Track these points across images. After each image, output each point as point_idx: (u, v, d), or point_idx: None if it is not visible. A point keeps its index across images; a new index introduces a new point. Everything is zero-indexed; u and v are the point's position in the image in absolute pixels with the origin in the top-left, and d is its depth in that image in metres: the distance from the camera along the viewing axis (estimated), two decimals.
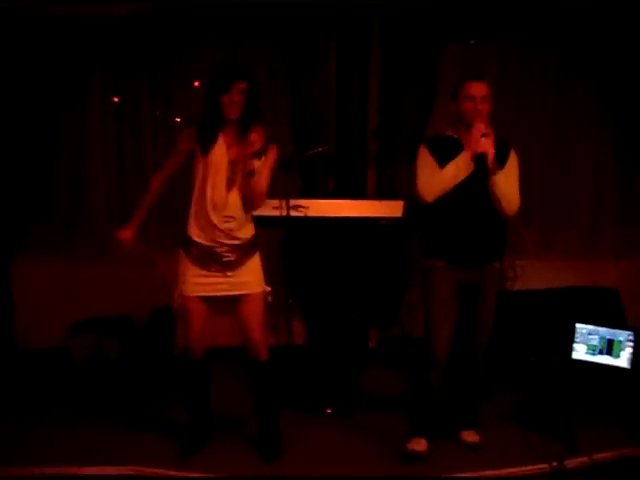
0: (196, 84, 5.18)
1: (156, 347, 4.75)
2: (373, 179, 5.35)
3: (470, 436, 3.91)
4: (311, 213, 4.21)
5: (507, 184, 3.59)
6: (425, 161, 3.66)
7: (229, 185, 3.49)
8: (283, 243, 4.81)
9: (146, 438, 3.97)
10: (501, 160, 3.60)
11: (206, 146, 3.50)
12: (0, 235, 5.12)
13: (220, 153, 3.50)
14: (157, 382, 4.58)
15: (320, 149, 4.39)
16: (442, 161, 3.58)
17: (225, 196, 3.49)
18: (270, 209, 3.91)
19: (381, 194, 5.12)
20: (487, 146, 3.45)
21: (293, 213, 4.15)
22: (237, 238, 3.54)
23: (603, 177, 5.57)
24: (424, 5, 4.98)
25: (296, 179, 5.15)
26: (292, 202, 4.16)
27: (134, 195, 5.41)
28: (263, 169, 3.53)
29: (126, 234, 3.62)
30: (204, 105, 3.52)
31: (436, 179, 3.57)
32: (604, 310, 4.88)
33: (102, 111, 5.41)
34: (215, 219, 3.49)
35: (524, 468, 3.63)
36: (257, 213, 3.69)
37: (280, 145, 4.99)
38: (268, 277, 3.74)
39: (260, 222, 3.74)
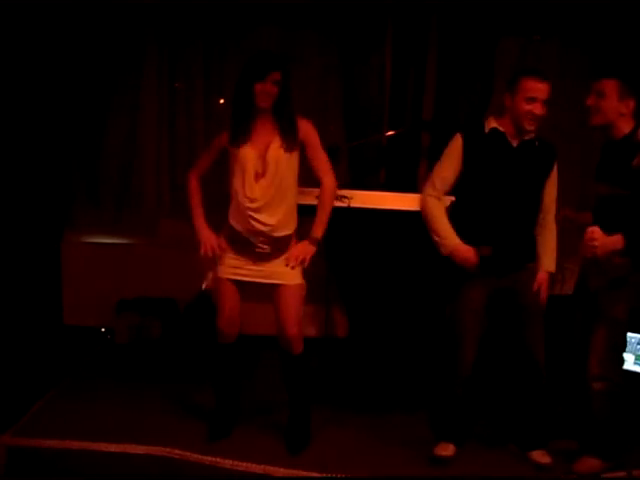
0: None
1: (198, 330, 4.77)
2: (425, 173, 5.26)
3: (541, 457, 3.60)
4: (355, 204, 4.14)
5: (553, 193, 3.52)
6: (445, 166, 3.53)
7: (257, 178, 3.44)
8: (327, 233, 4.77)
9: (181, 419, 4.00)
10: (547, 165, 3.49)
11: (236, 136, 3.46)
12: (50, 214, 5.20)
13: (250, 145, 3.45)
14: (196, 365, 4.59)
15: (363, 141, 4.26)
16: (481, 158, 3.43)
17: (256, 190, 3.44)
18: (313, 198, 3.85)
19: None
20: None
21: (336, 203, 4.10)
22: (272, 232, 3.48)
23: None
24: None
25: (346, 170, 5.11)
26: (337, 192, 4.12)
27: (183, 178, 5.46)
28: (315, 161, 3.53)
29: (209, 239, 3.58)
30: (236, 92, 3.48)
31: (434, 211, 3.52)
32: None
33: (155, 93, 5.45)
34: (248, 212, 3.46)
35: None
36: (299, 202, 3.64)
37: (332, 134, 5.08)
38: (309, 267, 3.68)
39: (302, 211, 3.68)
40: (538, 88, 3.34)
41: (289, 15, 5.21)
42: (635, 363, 4.31)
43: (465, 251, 3.44)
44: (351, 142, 5.14)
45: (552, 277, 3.72)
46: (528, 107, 3.34)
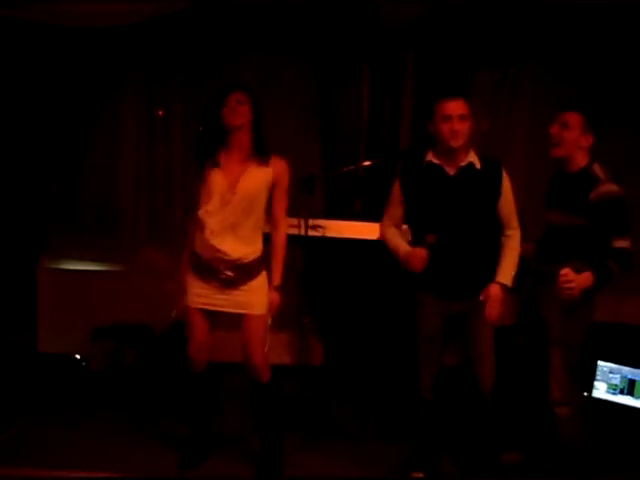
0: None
1: (171, 357, 4.76)
2: None
3: None
4: (329, 234, 4.18)
5: (509, 209, 3.54)
6: (391, 205, 3.65)
7: (222, 206, 3.47)
8: (303, 262, 4.80)
9: (152, 446, 4.00)
10: (493, 183, 3.50)
11: (204, 160, 3.50)
12: (26, 240, 5.19)
13: (221, 172, 3.49)
14: (169, 392, 4.58)
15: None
16: (421, 192, 3.48)
17: (222, 216, 3.47)
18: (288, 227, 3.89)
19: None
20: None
21: (311, 233, 4.14)
22: (234, 257, 3.50)
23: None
24: (458, 31, 4.94)
25: (322, 199, 5.15)
26: (311, 222, 4.16)
27: (162, 205, 5.52)
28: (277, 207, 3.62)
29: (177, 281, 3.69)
30: (202, 121, 3.54)
31: (386, 234, 3.63)
32: (629, 348, 4.73)
33: (134, 120, 5.48)
34: (212, 237, 3.47)
35: None
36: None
37: (309, 164, 5.12)
38: (283, 295, 3.71)
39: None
40: (450, 106, 3.39)
41: (268, 45, 5.27)
42: (607, 392, 4.35)
43: (413, 250, 3.46)
44: (328, 171, 5.20)
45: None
46: (446, 126, 3.38)
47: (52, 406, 4.54)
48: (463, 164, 3.48)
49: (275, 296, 3.63)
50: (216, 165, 3.49)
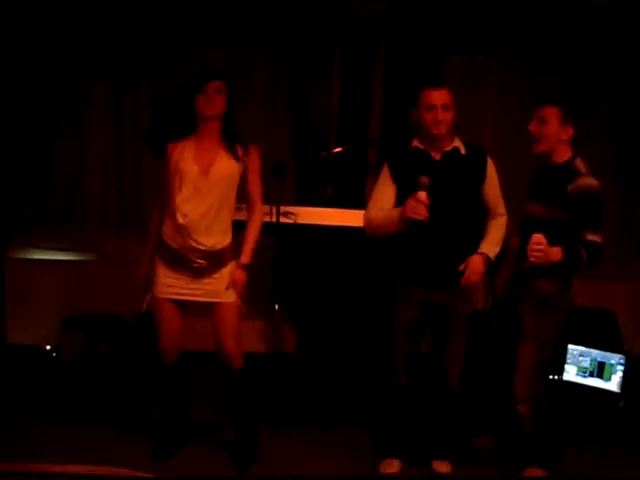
0: None
1: (143, 347, 4.72)
2: (371, 190, 5.31)
3: (441, 466, 3.73)
4: (301, 220, 4.18)
5: (494, 194, 3.56)
6: (381, 186, 3.61)
7: (196, 192, 3.45)
8: (275, 249, 4.79)
9: (126, 437, 3.97)
10: (478, 170, 3.53)
11: (160, 147, 3.49)
12: None
13: (193, 161, 3.46)
14: (142, 382, 4.55)
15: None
16: (408, 177, 3.46)
17: (193, 204, 3.44)
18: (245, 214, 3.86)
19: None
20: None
21: (283, 220, 4.13)
22: (207, 246, 3.48)
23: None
24: (427, 19, 4.95)
25: (293, 186, 5.14)
26: (282, 209, 4.15)
27: (130, 194, 5.46)
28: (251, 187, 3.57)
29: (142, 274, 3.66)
30: (177, 107, 3.50)
31: (374, 218, 3.54)
32: (600, 332, 4.80)
33: (102, 109, 5.42)
34: (183, 225, 3.45)
35: None
36: (242, 218, 3.65)
37: (279, 152, 5.11)
38: (256, 283, 3.70)
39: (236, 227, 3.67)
40: (433, 95, 3.43)
41: (236, 33, 5.23)
42: (577, 374, 4.42)
43: (412, 197, 3.35)
44: (298, 159, 5.19)
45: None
46: (430, 114, 3.42)
47: (22, 398, 4.49)
48: (448, 149, 3.52)
49: (240, 274, 3.55)
50: (189, 154, 3.45)
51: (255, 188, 3.61)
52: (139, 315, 4.93)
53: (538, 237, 3.21)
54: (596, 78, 5.31)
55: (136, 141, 5.43)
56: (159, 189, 3.63)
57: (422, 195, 3.32)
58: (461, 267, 3.48)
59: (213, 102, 3.41)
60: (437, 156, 3.52)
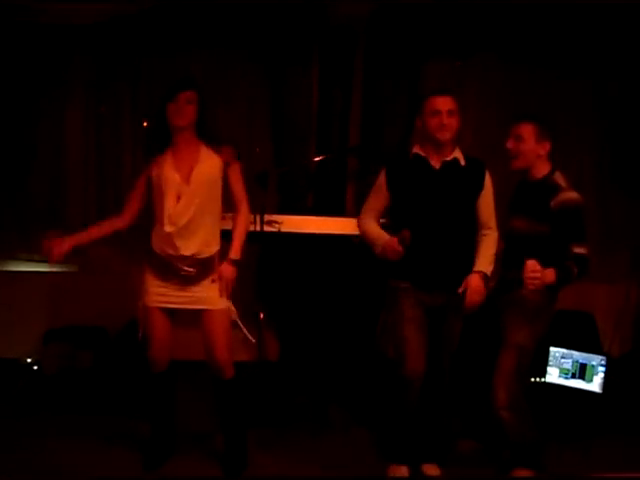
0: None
1: (128, 358, 4.71)
2: (352, 196, 5.35)
3: (431, 469, 3.72)
4: (285, 229, 4.20)
5: (488, 208, 3.58)
6: (374, 192, 3.65)
7: (180, 201, 3.45)
8: (258, 258, 4.80)
9: (114, 449, 3.93)
10: (476, 182, 3.55)
11: (154, 157, 3.50)
12: None
13: (173, 169, 3.46)
14: (128, 393, 4.53)
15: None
16: (405, 184, 3.51)
17: (178, 211, 3.45)
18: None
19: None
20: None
21: (266, 228, 4.15)
22: (195, 253, 3.48)
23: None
24: (407, 24, 5.01)
25: (275, 194, 5.16)
26: (266, 217, 4.17)
27: (111, 203, 5.43)
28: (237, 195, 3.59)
29: (60, 248, 3.56)
30: (152, 116, 3.56)
31: (366, 226, 3.61)
32: (579, 334, 4.87)
33: (82, 115, 5.42)
34: (170, 233, 3.45)
35: None
36: (228, 227, 3.65)
37: (261, 160, 5.12)
38: (240, 291, 3.70)
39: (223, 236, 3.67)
40: (439, 101, 3.47)
41: (217, 38, 5.24)
42: (559, 376, 4.47)
43: (390, 241, 3.44)
44: (280, 167, 5.21)
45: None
46: (435, 119, 3.45)
47: (3, 412, 4.44)
48: (448, 159, 3.54)
49: (228, 268, 3.54)
50: (169, 163, 3.47)
51: (238, 186, 3.61)
52: (122, 325, 4.98)
53: (532, 264, 3.24)
54: (577, 79, 5.40)
55: (116, 148, 5.43)
56: (130, 201, 3.63)
57: (399, 247, 3.39)
58: (461, 289, 3.51)
59: (183, 112, 3.43)
60: (437, 165, 3.54)
